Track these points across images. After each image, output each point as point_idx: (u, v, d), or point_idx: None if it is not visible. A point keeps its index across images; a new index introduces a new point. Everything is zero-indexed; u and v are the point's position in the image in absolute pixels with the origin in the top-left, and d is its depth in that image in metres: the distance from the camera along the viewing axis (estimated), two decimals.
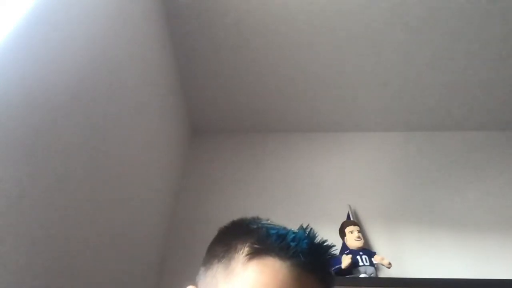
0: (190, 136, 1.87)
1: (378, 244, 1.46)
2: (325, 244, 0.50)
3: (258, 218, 0.55)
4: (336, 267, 1.27)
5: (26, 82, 0.73)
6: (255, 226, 0.51)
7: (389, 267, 1.27)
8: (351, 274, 1.26)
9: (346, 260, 1.26)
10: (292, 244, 0.47)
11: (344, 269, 1.25)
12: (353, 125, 1.84)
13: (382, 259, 1.29)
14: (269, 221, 0.54)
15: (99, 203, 1.01)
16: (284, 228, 0.50)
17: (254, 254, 0.47)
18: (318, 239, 0.50)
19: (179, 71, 1.65)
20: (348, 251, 1.33)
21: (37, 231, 0.76)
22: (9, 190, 0.68)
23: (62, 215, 0.84)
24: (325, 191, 1.64)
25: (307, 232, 0.49)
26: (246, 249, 0.48)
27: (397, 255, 1.41)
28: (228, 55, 1.59)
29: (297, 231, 0.49)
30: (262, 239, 0.48)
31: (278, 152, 1.80)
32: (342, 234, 1.41)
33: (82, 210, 0.93)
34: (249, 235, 0.50)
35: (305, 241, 0.48)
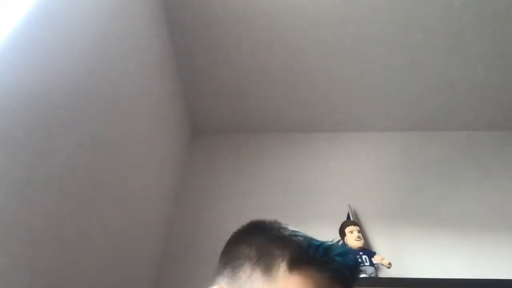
0: (190, 136, 1.87)
1: (378, 244, 1.46)
2: (358, 259, 0.53)
3: (278, 222, 0.56)
4: None
5: (26, 82, 0.73)
6: (287, 233, 0.53)
7: (389, 267, 1.27)
8: None
9: None
10: (338, 259, 0.49)
11: None
12: (353, 125, 1.83)
13: (382, 259, 1.29)
14: (288, 225, 0.56)
15: (99, 203, 1.01)
16: (324, 241, 0.52)
17: (297, 264, 0.48)
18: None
19: (179, 71, 1.65)
20: None
21: (37, 231, 0.76)
22: (9, 190, 0.68)
23: (62, 215, 0.84)
24: (325, 191, 1.64)
25: (346, 248, 0.52)
26: (288, 257, 0.49)
27: (397, 255, 1.41)
28: (228, 56, 1.59)
29: (339, 245, 0.51)
30: (305, 249, 0.50)
31: (278, 152, 1.79)
32: (342, 234, 1.41)
33: (82, 211, 0.93)
34: (287, 242, 0.51)
35: (349, 256, 0.50)
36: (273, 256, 0.50)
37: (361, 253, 1.31)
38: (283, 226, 0.55)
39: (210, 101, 1.77)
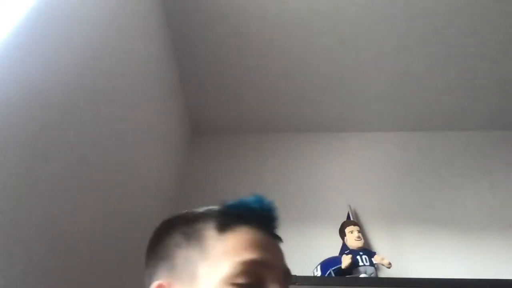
0: (190, 136, 1.87)
1: (378, 244, 1.46)
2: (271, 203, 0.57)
3: (189, 210, 0.58)
4: (336, 267, 1.26)
5: (25, 82, 0.73)
6: (203, 210, 0.56)
7: (389, 267, 1.27)
8: (351, 274, 1.26)
9: (346, 260, 1.25)
10: (255, 206, 0.54)
11: (344, 269, 1.25)
12: (354, 125, 1.83)
13: (382, 259, 1.29)
14: (199, 207, 0.58)
15: (99, 203, 1.01)
16: (239, 199, 0.56)
17: (223, 227, 0.51)
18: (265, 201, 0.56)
19: (179, 71, 1.65)
20: (348, 251, 1.33)
21: (37, 232, 0.76)
22: (9, 190, 0.68)
23: (62, 215, 0.84)
24: (325, 191, 1.64)
25: (259, 195, 0.56)
26: (213, 225, 0.51)
27: (397, 255, 1.41)
28: (228, 55, 1.59)
29: (252, 196, 0.56)
30: (225, 212, 0.54)
31: (278, 152, 1.80)
32: (342, 234, 1.41)
33: (82, 211, 0.93)
34: (207, 215, 0.54)
35: (265, 200, 0.56)
36: (199, 231, 0.51)
37: (361, 253, 1.31)
38: (194, 209, 0.57)
39: (210, 101, 1.77)
